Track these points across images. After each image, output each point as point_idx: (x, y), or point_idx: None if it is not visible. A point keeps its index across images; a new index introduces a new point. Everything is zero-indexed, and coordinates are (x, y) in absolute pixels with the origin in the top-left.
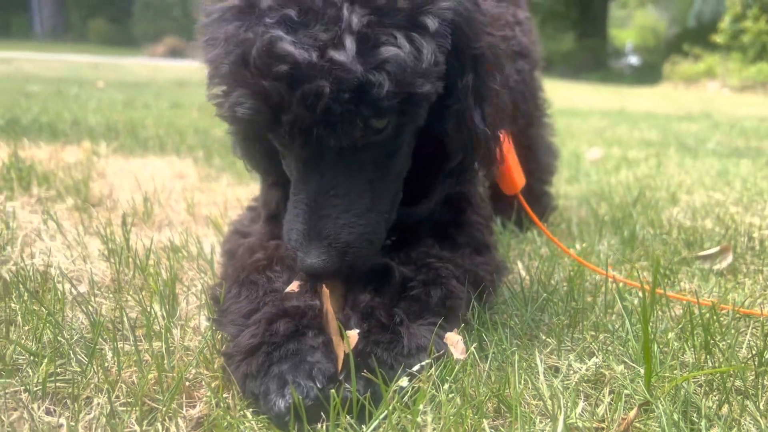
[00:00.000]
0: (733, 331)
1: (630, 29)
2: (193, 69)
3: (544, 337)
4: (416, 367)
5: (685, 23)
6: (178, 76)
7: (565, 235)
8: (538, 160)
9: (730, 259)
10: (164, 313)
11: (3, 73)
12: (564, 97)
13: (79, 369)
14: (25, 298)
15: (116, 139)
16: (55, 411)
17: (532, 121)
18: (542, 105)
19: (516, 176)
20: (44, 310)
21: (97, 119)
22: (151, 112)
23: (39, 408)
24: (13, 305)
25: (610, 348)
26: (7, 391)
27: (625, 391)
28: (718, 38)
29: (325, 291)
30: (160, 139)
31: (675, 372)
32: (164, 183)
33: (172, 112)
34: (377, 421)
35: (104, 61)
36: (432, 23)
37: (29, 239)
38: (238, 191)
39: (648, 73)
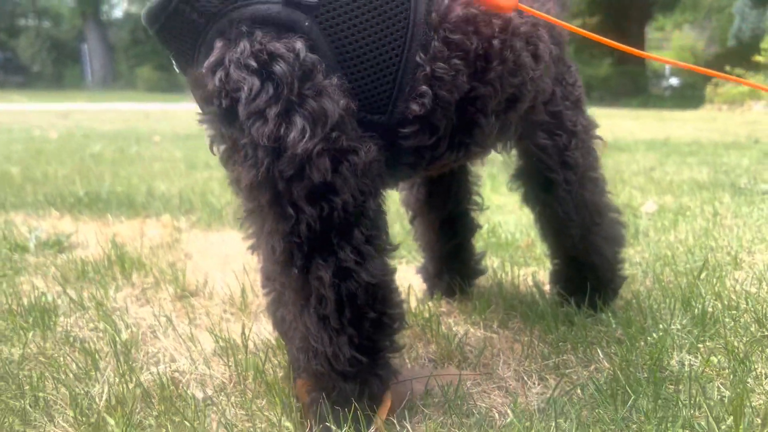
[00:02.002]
0: None
1: (668, 51)
2: None
3: None
4: None
5: (725, 43)
6: None
7: (636, 312)
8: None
9: None
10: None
11: (64, 128)
12: (606, 127)
13: None
14: (163, 408)
15: (191, 212)
16: None
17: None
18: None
19: None
20: (187, 423)
21: (167, 186)
22: (213, 173)
23: None
24: (154, 413)
25: None
26: None
27: None
28: (761, 58)
29: None
30: (234, 210)
31: None
32: (248, 262)
33: None
34: None
35: (153, 108)
36: None
37: (146, 337)
38: None
39: (689, 96)
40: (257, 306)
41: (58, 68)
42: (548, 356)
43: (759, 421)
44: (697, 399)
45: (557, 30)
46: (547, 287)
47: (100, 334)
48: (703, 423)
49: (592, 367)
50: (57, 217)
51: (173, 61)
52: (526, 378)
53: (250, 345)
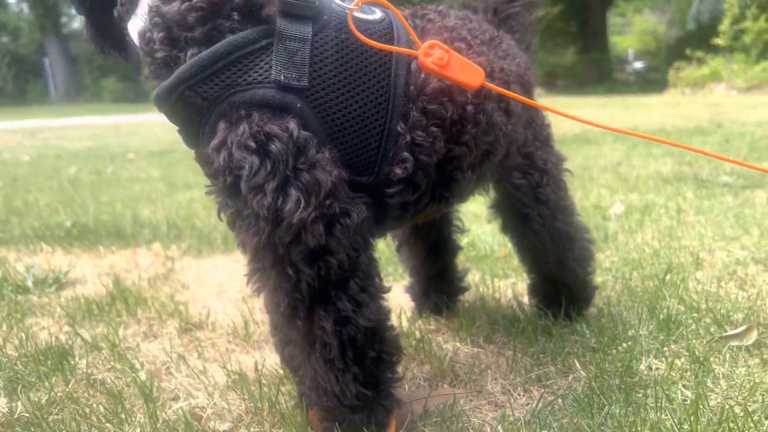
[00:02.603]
0: None
1: (630, 36)
2: None
3: None
4: None
5: (685, 25)
6: None
7: (608, 319)
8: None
9: (755, 336)
10: None
11: (34, 149)
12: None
13: None
14: None
15: (180, 238)
16: None
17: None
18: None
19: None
20: None
21: (151, 210)
22: (194, 193)
23: None
24: None
25: None
26: None
27: None
28: (720, 41)
29: None
30: (222, 234)
31: None
32: (243, 290)
33: None
34: None
35: (121, 121)
36: None
37: (161, 374)
38: None
39: (653, 80)
40: (259, 335)
41: (19, 84)
42: (531, 369)
43: (716, 419)
44: (663, 402)
45: (526, 78)
46: (525, 298)
47: (119, 375)
48: (668, 425)
49: (570, 377)
50: (49, 252)
51: (180, 135)
52: (512, 391)
53: (254, 375)
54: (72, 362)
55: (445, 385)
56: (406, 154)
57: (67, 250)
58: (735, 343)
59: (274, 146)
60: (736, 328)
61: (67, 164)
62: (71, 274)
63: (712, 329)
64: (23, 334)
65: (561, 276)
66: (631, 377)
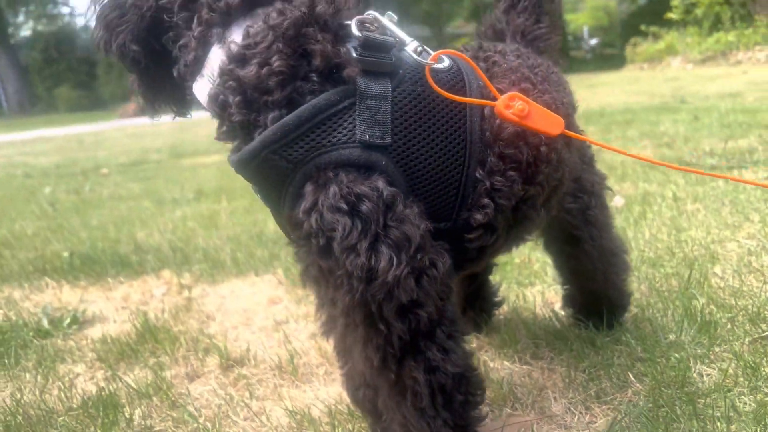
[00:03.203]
0: None
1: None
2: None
3: None
4: None
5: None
6: (165, 143)
7: (644, 324)
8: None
9: None
10: None
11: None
12: None
13: None
14: None
15: (187, 261)
16: None
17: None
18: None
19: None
20: None
21: (147, 233)
22: (184, 210)
23: None
24: None
25: None
26: None
27: None
28: (673, 15)
29: None
30: (230, 257)
31: None
32: (269, 316)
33: (205, 207)
34: None
35: (82, 131)
36: None
37: (221, 421)
38: None
39: (610, 57)
40: (303, 366)
41: None
42: (587, 385)
43: None
44: (728, 412)
45: (573, 103)
46: (557, 306)
47: (179, 425)
48: None
49: (629, 391)
50: (55, 286)
51: (258, 195)
52: (574, 410)
53: (318, 412)
54: (126, 414)
55: (507, 409)
56: (486, 200)
57: (74, 283)
58: None
59: (365, 206)
60: None
61: (39, 184)
62: (87, 310)
63: (746, 327)
64: (61, 384)
65: (605, 289)
66: (689, 387)
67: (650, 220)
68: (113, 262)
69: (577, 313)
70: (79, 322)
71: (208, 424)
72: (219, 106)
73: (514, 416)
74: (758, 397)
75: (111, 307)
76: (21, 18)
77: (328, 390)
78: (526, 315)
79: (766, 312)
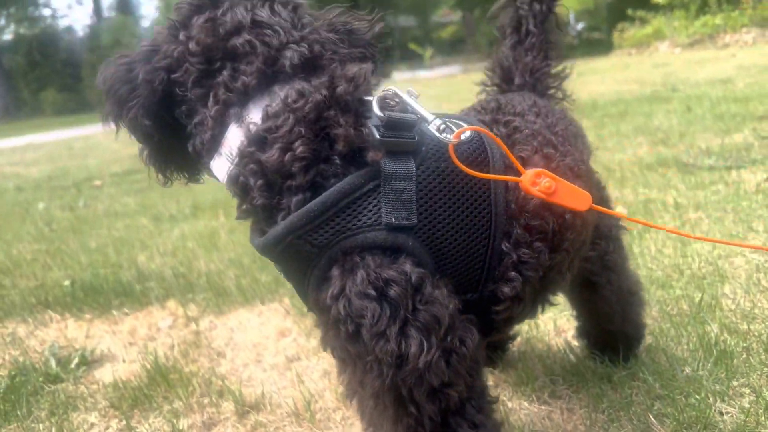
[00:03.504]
0: None
1: None
2: None
3: None
4: None
5: None
6: None
7: (658, 354)
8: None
9: None
10: None
11: None
12: None
13: None
14: None
15: (191, 289)
16: None
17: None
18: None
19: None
20: None
21: (147, 256)
22: (182, 227)
23: None
24: None
25: None
26: None
27: None
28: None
29: None
30: (234, 283)
31: None
32: (278, 349)
33: (203, 224)
34: None
35: (70, 136)
36: None
37: None
38: None
39: (597, 42)
40: (320, 411)
41: None
42: (608, 428)
43: None
44: None
45: (589, 147)
46: (569, 334)
47: None
48: None
49: None
50: (58, 320)
51: (283, 276)
52: None
53: None
54: None
55: None
56: (513, 273)
57: (78, 316)
58: None
59: (393, 291)
60: None
61: (32, 198)
62: (95, 350)
63: (762, 357)
64: None
65: (622, 328)
66: (711, 429)
67: (654, 233)
68: (116, 291)
69: (592, 347)
70: (88, 362)
71: None
72: (240, 187)
73: None
74: None
75: (119, 344)
76: (2, 21)
77: None
78: (540, 347)
79: None
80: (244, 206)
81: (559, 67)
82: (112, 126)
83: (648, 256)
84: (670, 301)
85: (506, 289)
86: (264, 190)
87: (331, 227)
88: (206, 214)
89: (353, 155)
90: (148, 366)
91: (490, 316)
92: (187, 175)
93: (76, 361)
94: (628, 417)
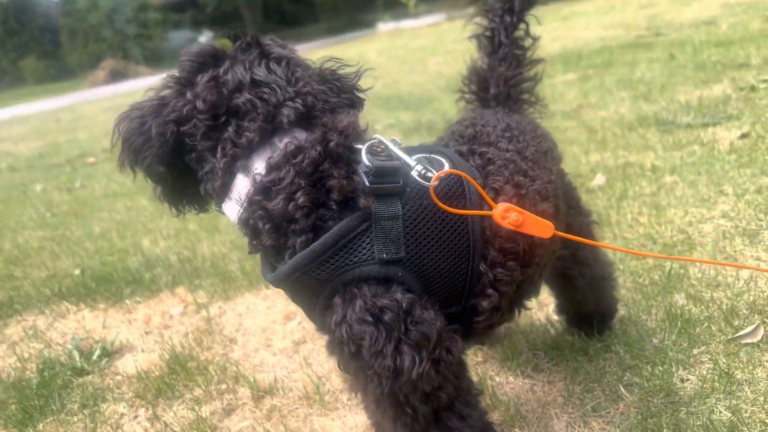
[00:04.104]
0: None
1: None
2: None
3: None
4: None
5: None
6: None
7: (629, 325)
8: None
9: (762, 333)
10: None
11: None
12: None
13: None
14: None
15: (198, 275)
16: None
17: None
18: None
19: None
20: None
21: (151, 242)
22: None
23: None
24: None
25: None
26: None
27: None
28: None
29: None
30: (238, 268)
31: None
32: (285, 333)
33: None
34: None
35: (55, 106)
36: None
37: None
38: None
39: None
40: (329, 393)
41: None
42: (583, 398)
43: None
44: (706, 423)
45: (559, 157)
46: (550, 308)
47: None
48: None
49: (621, 405)
50: (75, 311)
51: (295, 303)
52: (575, 425)
53: None
54: None
55: (516, 430)
56: (490, 290)
57: (93, 306)
58: (748, 340)
59: (387, 316)
60: (743, 322)
61: (27, 180)
62: (115, 341)
63: (721, 325)
64: (109, 427)
65: (596, 309)
66: (673, 396)
67: (631, 199)
68: (126, 280)
69: (569, 324)
70: (109, 353)
71: None
72: (251, 229)
73: None
74: (732, 404)
75: (135, 333)
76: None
77: (354, 418)
78: (524, 321)
79: (739, 305)
80: (256, 245)
81: (531, 72)
82: (131, 172)
83: (625, 224)
84: (643, 271)
85: (485, 303)
86: (272, 232)
87: (332, 264)
88: None
89: (347, 201)
90: (168, 356)
91: (472, 325)
92: (197, 207)
93: (98, 353)
94: (602, 387)
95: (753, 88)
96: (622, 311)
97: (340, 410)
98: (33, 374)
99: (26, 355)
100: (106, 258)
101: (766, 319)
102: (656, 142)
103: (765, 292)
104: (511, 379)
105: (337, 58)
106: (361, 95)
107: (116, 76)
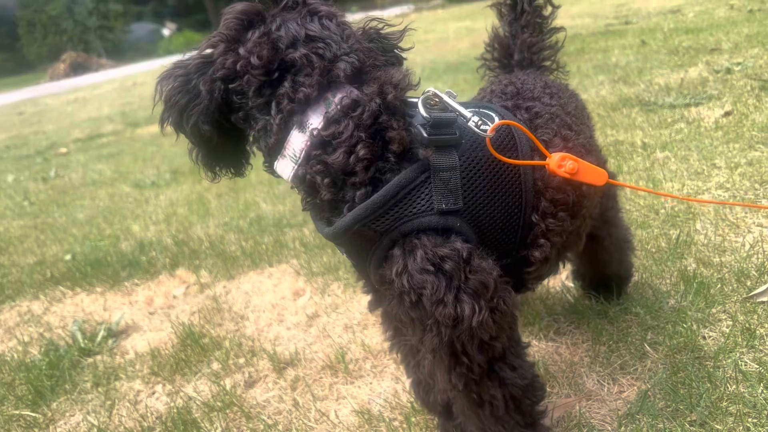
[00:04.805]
0: None
1: None
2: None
3: None
4: None
5: None
6: (113, 110)
7: (644, 289)
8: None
9: None
10: None
11: None
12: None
13: None
14: None
15: (196, 255)
16: None
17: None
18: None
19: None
20: None
21: (142, 226)
22: (167, 194)
23: None
24: None
25: None
26: None
27: None
28: None
29: None
30: (237, 246)
31: None
32: (297, 309)
33: (187, 189)
34: None
35: (16, 99)
36: None
37: (297, 428)
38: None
39: None
40: (351, 362)
41: None
42: (610, 357)
43: None
44: (736, 374)
45: (591, 121)
46: (564, 278)
47: None
48: (746, 394)
49: (648, 362)
50: (71, 295)
51: (346, 255)
52: (603, 383)
53: (378, 407)
54: (209, 430)
55: (548, 389)
56: (542, 240)
57: (89, 290)
58: (762, 299)
59: (448, 265)
60: (755, 283)
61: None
62: (120, 322)
63: (734, 285)
64: (128, 403)
65: (617, 271)
66: (698, 351)
67: (627, 174)
68: (122, 263)
69: (587, 287)
70: (114, 334)
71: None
72: (308, 185)
73: (559, 399)
74: (757, 356)
75: (138, 314)
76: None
77: (381, 384)
78: (540, 291)
79: (748, 268)
80: (309, 200)
81: (553, 40)
82: (169, 131)
83: (624, 198)
84: (650, 239)
85: (537, 253)
86: (331, 186)
87: (391, 215)
88: (188, 179)
89: (405, 153)
90: (180, 333)
91: (523, 276)
92: (233, 171)
93: (102, 334)
94: (626, 347)
95: (728, 71)
96: (635, 277)
97: (365, 377)
98: (38, 356)
99: (27, 339)
100: (97, 243)
101: None
102: (642, 121)
103: None
104: (534, 342)
105: (379, 18)
106: (403, 55)
107: (77, 68)
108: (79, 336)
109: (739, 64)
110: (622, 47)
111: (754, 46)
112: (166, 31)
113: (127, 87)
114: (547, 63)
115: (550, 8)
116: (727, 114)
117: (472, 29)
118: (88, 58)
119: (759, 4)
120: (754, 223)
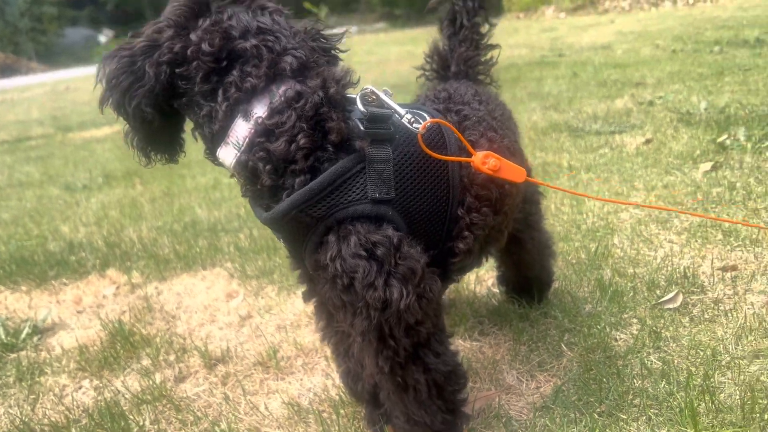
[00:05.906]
0: None
1: None
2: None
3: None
4: None
5: None
6: (44, 113)
7: (563, 296)
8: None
9: (681, 299)
10: None
11: None
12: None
13: None
14: None
15: (128, 257)
16: None
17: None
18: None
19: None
20: None
21: (71, 227)
22: (99, 198)
23: None
24: None
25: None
26: None
27: None
28: None
29: None
30: (172, 249)
31: None
32: (230, 310)
33: (120, 193)
34: None
35: None
36: None
37: (228, 420)
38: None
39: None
40: (282, 360)
41: None
42: (529, 356)
43: (681, 378)
44: (642, 371)
45: (517, 128)
46: (489, 282)
47: (190, 426)
48: (650, 389)
49: (564, 359)
50: None
51: (283, 242)
52: (522, 379)
53: (307, 401)
54: (136, 422)
55: (470, 383)
56: (467, 233)
57: (14, 288)
58: (669, 306)
59: (380, 251)
60: (663, 291)
61: None
62: (46, 319)
63: (645, 294)
64: (53, 396)
65: (539, 275)
66: (609, 351)
67: (553, 193)
68: (50, 263)
69: (511, 292)
70: (40, 331)
71: (218, 424)
72: (249, 171)
73: (480, 392)
74: (661, 356)
75: (66, 312)
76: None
77: (311, 380)
78: (466, 294)
79: (659, 278)
80: (252, 187)
81: (488, 56)
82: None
83: (549, 214)
84: (571, 251)
85: (461, 245)
86: (272, 173)
87: (327, 202)
88: (120, 183)
89: (343, 144)
90: (109, 329)
91: (448, 267)
92: (167, 157)
93: (27, 330)
94: (545, 347)
95: (651, 103)
96: (555, 285)
97: (296, 374)
98: None
99: None
100: (23, 242)
101: (682, 289)
102: (570, 145)
103: (678, 267)
104: (460, 342)
105: (319, 20)
106: (340, 56)
107: (6, 70)
108: (1, 332)
109: (660, 97)
110: (555, 77)
111: (675, 83)
112: (102, 38)
113: (59, 91)
114: (482, 77)
115: (487, 26)
116: (647, 141)
117: (413, 53)
118: (18, 60)
119: (681, 45)
120: (665, 239)
